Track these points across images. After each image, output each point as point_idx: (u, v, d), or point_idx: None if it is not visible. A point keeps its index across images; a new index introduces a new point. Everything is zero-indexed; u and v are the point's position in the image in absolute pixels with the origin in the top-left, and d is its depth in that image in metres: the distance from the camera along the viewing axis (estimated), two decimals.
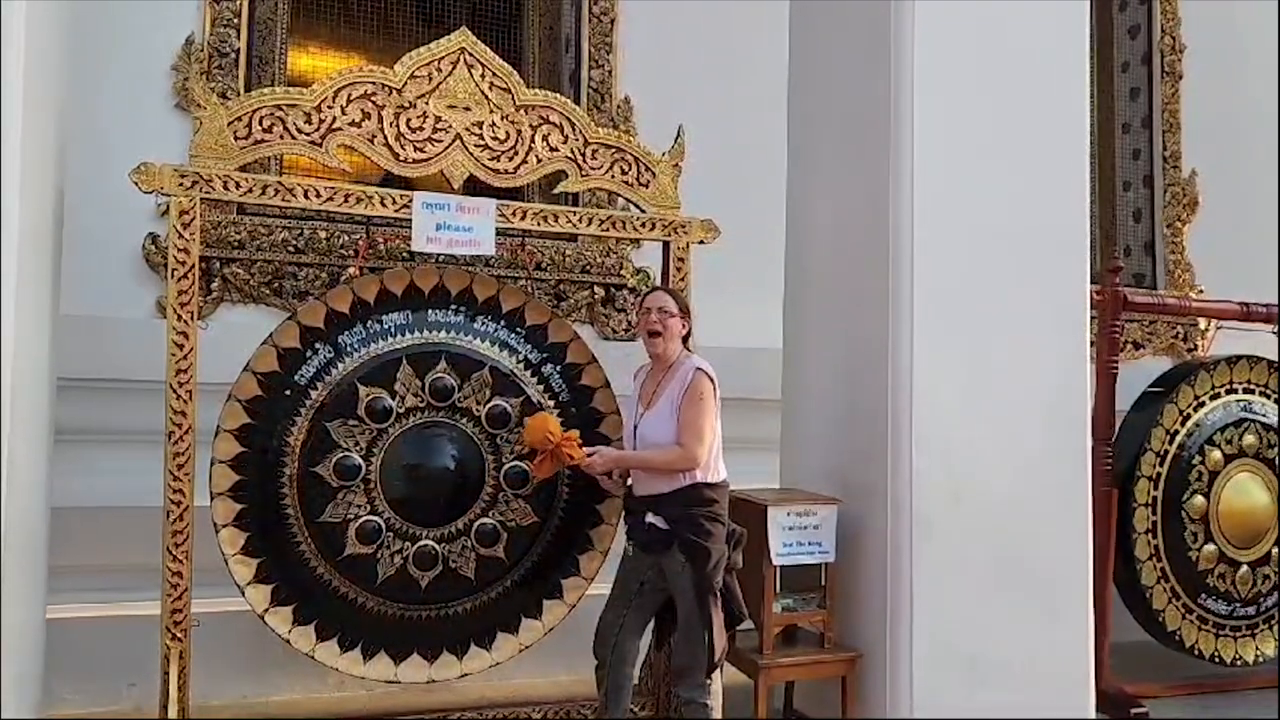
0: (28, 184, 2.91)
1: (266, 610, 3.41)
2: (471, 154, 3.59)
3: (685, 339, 3.43)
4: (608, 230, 3.78)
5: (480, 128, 3.60)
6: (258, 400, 3.41)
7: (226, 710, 3.85)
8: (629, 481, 3.47)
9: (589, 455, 3.39)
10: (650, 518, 3.29)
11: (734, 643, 3.65)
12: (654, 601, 3.39)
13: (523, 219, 3.63)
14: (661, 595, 3.36)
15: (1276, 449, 4.93)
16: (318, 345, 3.48)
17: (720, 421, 3.35)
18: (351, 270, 3.88)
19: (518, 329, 3.74)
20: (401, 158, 3.51)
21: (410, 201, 3.47)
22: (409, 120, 3.52)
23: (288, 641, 3.45)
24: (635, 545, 3.40)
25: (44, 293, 3.26)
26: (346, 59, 5.20)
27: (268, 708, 3.99)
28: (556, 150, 3.70)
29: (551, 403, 3.73)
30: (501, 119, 3.62)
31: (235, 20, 4.67)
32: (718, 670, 3.31)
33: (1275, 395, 4.98)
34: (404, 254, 4.54)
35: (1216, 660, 4.83)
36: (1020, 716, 3.54)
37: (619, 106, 5.27)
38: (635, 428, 3.38)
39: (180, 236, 3.21)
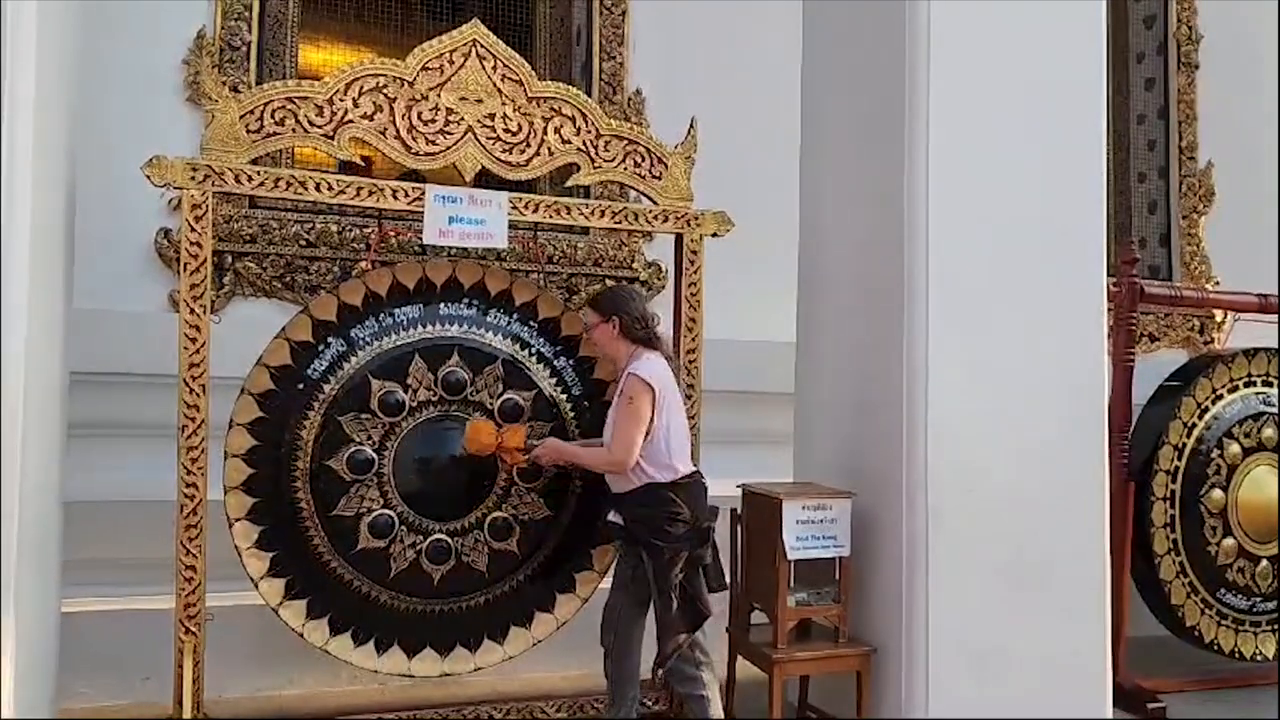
0: (40, 179, 2.90)
1: (280, 604, 3.41)
2: (483, 146, 3.57)
3: (630, 333, 3.36)
4: (620, 223, 3.76)
5: (492, 120, 3.58)
6: (270, 394, 3.40)
7: (240, 704, 3.85)
8: None
9: (535, 450, 3.46)
10: (611, 516, 3.37)
11: (748, 636, 3.65)
12: (646, 589, 3.37)
13: (535, 211, 3.62)
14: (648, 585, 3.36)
15: (1274, 435, 4.88)
16: (330, 339, 3.48)
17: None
18: (363, 264, 3.87)
19: (530, 322, 3.73)
20: (413, 150, 3.50)
21: (422, 194, 3.46)
22: (421, 113, 3.50)
23: (301, 635, 3.45)
24: (604, 539, 3.55)
25: (56, 288, 3.25)
26: (357, 52, 5.19)
27: (281, 701, 3.99)
28: (569, 142, 3.68)
29: (564, 396, 3.72)
30: (513, 111, 3.61)
31: (246, 13, 4.66)
32: (710, 663, 3.36)
33: (1277, 383, 4.94)
34: (416, 247, 4.53)
35: (1236, 655, 4.79)
36: (1037, 711, 3.51)
37: (630, 99, 5.25)
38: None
39: (193, 230, 3.21)
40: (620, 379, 3.35)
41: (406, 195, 3.46)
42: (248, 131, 3.31)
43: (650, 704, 3.70)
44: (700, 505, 3.33)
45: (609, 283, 5.17)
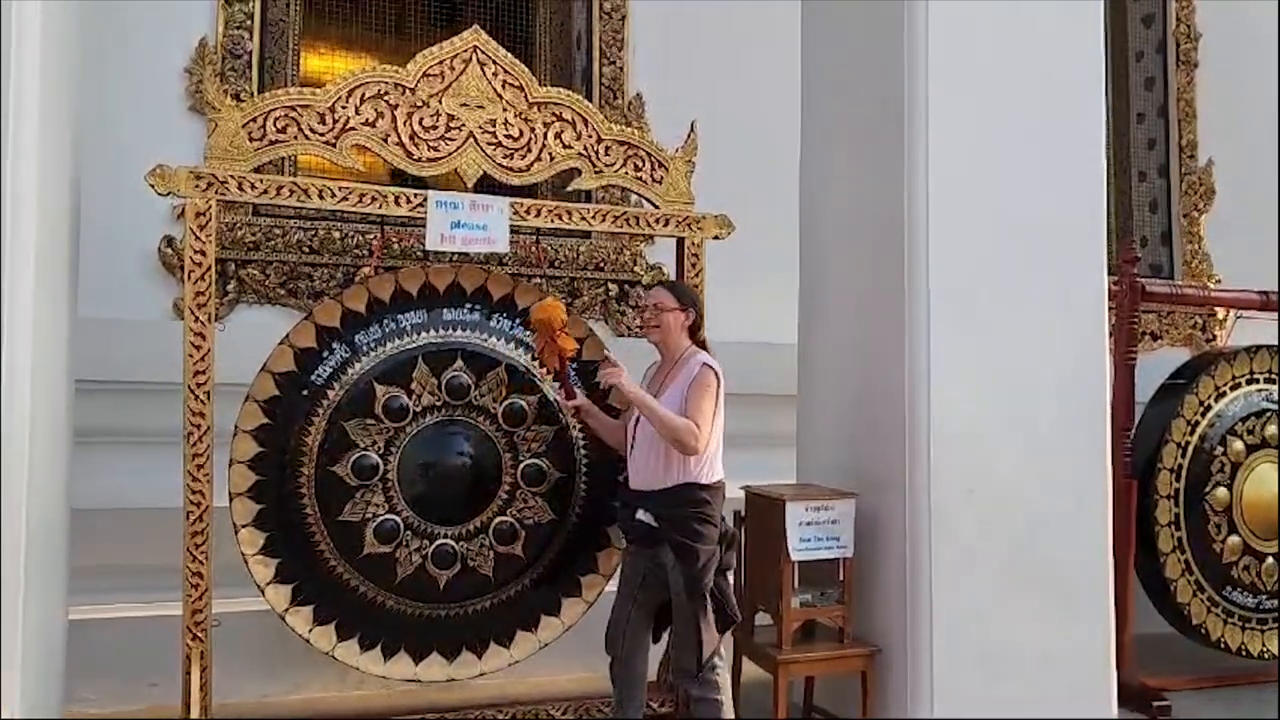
0: (44, 188, 2.92)
1: (286, 610, 3.42)
2: (485, 152, 3.59)
3: (695, 330, 3.42)
4: (621, 227, 3.78)
5: (493, 126, 3.60)
6: (275, 400, 3.42)
7: (247, 710, 3.86)
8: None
9: (610, 370, 3.31)
10: (641, 514, 3.29)
11: (752, 637, 3.66)
12: (656, 595, 3.36)
13: (536, 216, 3.63)
14: (663, 589, 3.33)
15: (1277, 433, 4.88)
16: (334, 345, 3.49)
17: (724, 421, 3.34)
18: (366, 270, 3.89)
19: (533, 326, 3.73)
20: (415, 157, 3.51)
21: (424, 200, 3.48)
22: (422, 119, 3.52)
23: (308, 641, 3.46)
24: (626, 539, 3.43)
25: (61, 296, 3.27)
26: (358, 59, 5.21)
27: (288, 707, 4.00)
28: (570, 147, 3.70)
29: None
30: (515, 116, 3.62)
31: (248, 22, 4.69)
32: (724, 666, 3.33)
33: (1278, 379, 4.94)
34: (418, 253, 4.54)
35: (1242, 653, 4.79)
36: (1042, 710, 3.52)
37: (631, 103, 5.27)
38: (637, 421, 3.35)
39: (196, 238, 3.22)
40: (687, 369, 3.28)
41: (408, 201, 3.47)
42: (250, 140, 3.33)
43: (655, 705, 3.70)
44: (722, 510, 3.32)
45: (611, 286, 5.19)
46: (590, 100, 4.90)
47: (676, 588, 3.24)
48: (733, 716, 3.32)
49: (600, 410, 3.62)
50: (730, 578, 3.36)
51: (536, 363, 3.58)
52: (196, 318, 3.22)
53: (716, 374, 3.29)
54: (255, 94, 4.54)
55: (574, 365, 3.65)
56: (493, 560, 3.61)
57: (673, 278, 4.14)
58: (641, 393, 3.29)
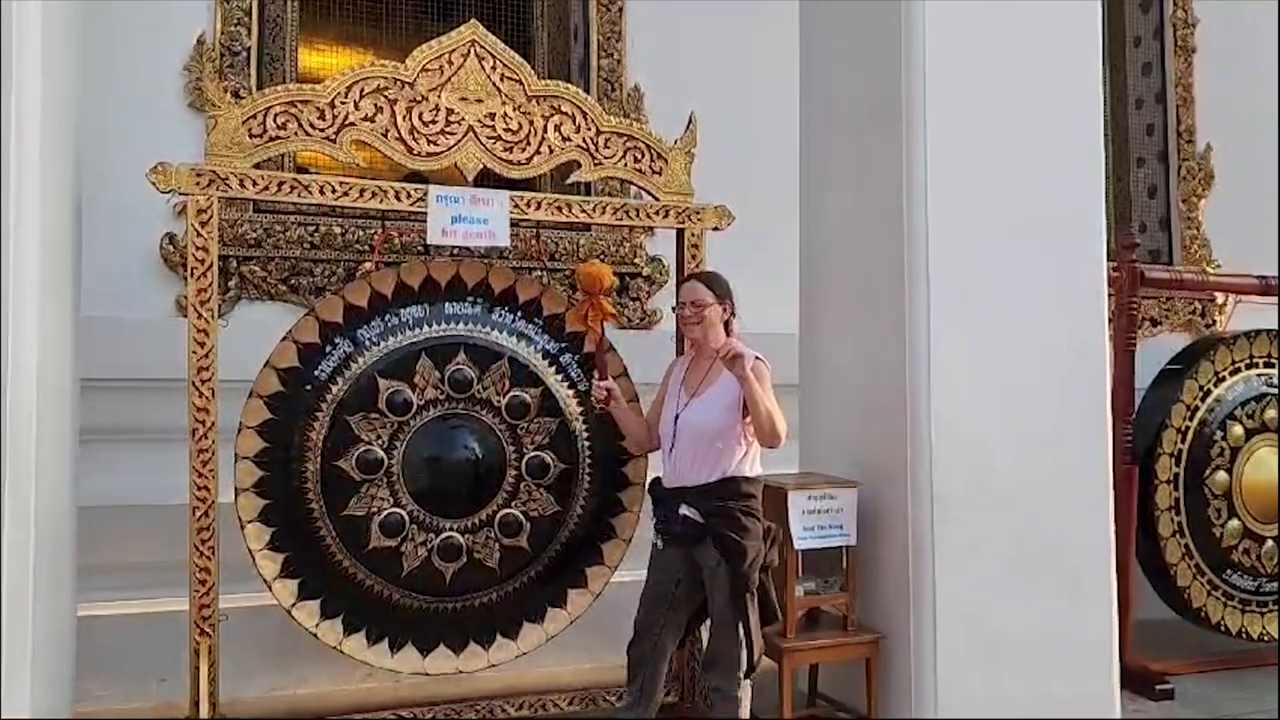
0: (47, 189, 2.93)
1: (294, 604, 3.44)
2: (484, 146, 3.59)
3: (730, 321, 3.34)
4: (621, 219, 3.79)
5: (492, 119, 3.60)
6: (279, 396, 3.43)
7: (255, 704, 3.88)
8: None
9: (732, 345, 3.14)
10: (685, 510, 3.18)
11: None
12: (693, 600, 3.29)
13: (536, 209, 3.64)
14: (699, 590, 3.25)
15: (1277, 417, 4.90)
16: (337, 340, 3.50)
17: None
18: (368, 265, 3.90)
19: (535, 319, 3.75)
20: (415, 151, 3.52)
21: (424, 195, 3.49)
22: (421, 114, 3.52)
23: (315, 635, 3.48)
24: (665, 539, 3.29)
25: (65, 296, 3.29)
26: (356, 55, 5.22)
27: (295, 701, 4.02)
28: (569, 140, 3.70)
29: (570, 392, 3.74)
30: (514, 110, 3.63)
31: (245, 19, 4.69)
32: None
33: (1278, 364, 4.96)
34: (419, 248, 4.55)
35: (1243, 636, 4.81)
36: (1045, 695, 3.54)
37: (629, 95, 5.27)
38: (677, 417, 3.26)
39: (198, 235, 3.23)
40: (715, 368, 3.21)
41: (409, 196, 3.48)
42: (250, 136, 3.33)
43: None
44: (760, 506, 3.24)
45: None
46: (589, 93, 4.90)
47: (719, 587, 3.15)
48: (748, 715, 3.24)
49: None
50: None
51: (576, 326, 3.57)
52: (199, 314, 3.23)
53: (766, 365, 3.22)
54: (253, 90, 4.55)
55: (577, 357, 3.66)
56: (498, 553, 3.63)
57: (672, 271, 4.14)
58: (753, 377, 3.12)
